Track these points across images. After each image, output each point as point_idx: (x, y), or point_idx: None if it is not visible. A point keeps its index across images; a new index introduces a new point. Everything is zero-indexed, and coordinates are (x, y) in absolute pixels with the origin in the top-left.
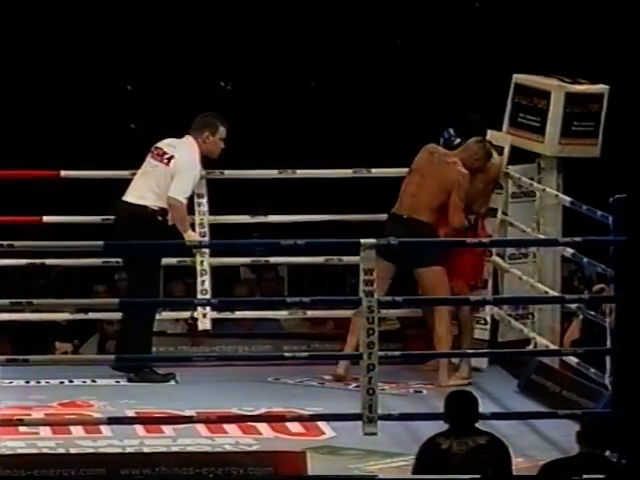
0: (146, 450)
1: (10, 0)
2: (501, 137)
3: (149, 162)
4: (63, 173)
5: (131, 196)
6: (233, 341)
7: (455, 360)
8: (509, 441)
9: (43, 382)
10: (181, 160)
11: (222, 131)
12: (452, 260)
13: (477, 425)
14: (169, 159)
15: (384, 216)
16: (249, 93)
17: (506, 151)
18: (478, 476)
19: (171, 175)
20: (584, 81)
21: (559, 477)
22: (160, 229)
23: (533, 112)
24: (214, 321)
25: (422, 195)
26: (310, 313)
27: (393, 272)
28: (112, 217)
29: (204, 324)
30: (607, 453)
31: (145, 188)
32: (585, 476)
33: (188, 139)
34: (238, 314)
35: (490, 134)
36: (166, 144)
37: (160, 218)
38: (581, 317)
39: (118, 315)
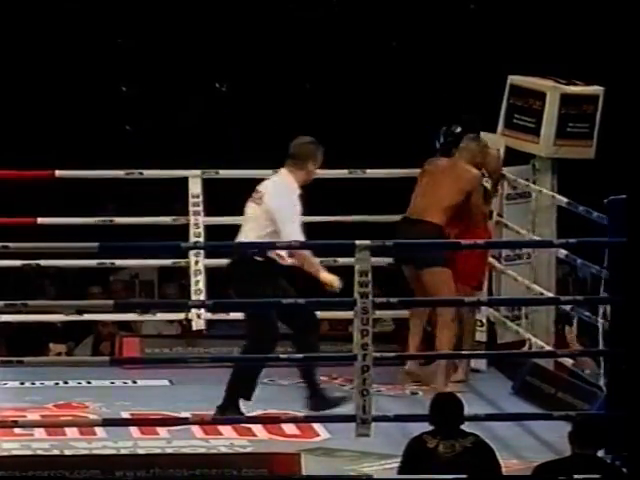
0: (140, 451)
1: (5, 1)
2: (495, 139)
3: (248, 206)
4: (58, 173)
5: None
6: (228, 342)
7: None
8: (504, 442)
9: (38, 383)
10: (271, 197)
11: (320, 158)
12: (455, 263)
13: (467, 426)
14: (261, 198)
15: (379, 217)
16: (244, 94)
17: (501, 153)
18: (470, 476)
19: (265, 213)
20: (579, 82)
21: (549, 477)
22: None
23: (528, 113)
24: (209, 322)
25: (433, 196)
26: None
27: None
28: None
29: (198, 324)
30: (600, 453)
31: (248, 233)
32: (576, 476)
33: (281, 174)
34: (233, 316)
35: (484, 136)
36: (260, 185)
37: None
38: (576, 319)
39: (113, 317)
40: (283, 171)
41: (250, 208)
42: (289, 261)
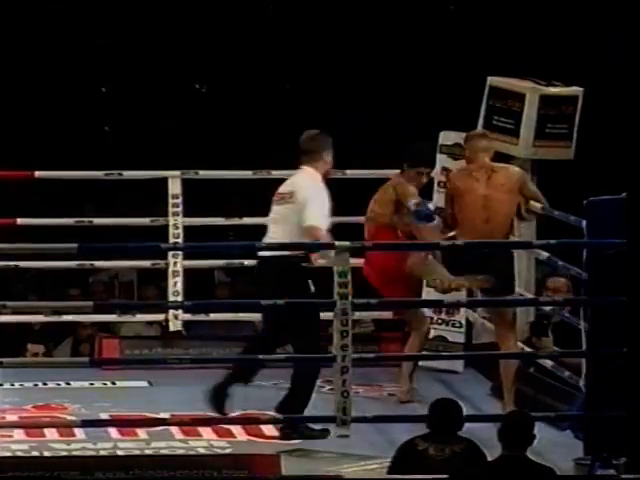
0: (120, 453)
1: None
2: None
3: (274, 210)
4: (37, 174)
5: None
6: (207, 343)
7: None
8: (482, 443)
9: (17, 385)
10: (302, 190)
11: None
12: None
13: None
14: (291, 196)
15: (358, 218)
16: (224, 95)
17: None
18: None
19: (297, 212)
20: (558, 83)
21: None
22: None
23: (507, 114)
24: (190, 323)
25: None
26: None
27: None
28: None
29: (176, 325)
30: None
31: (277, 234)
32: None
33: (304, 170)
34: (212, 316)
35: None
36: (283, 186)
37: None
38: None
39: (92, 318)
40: (305, 168)
41: (278, 210)
42: (320, 262)
